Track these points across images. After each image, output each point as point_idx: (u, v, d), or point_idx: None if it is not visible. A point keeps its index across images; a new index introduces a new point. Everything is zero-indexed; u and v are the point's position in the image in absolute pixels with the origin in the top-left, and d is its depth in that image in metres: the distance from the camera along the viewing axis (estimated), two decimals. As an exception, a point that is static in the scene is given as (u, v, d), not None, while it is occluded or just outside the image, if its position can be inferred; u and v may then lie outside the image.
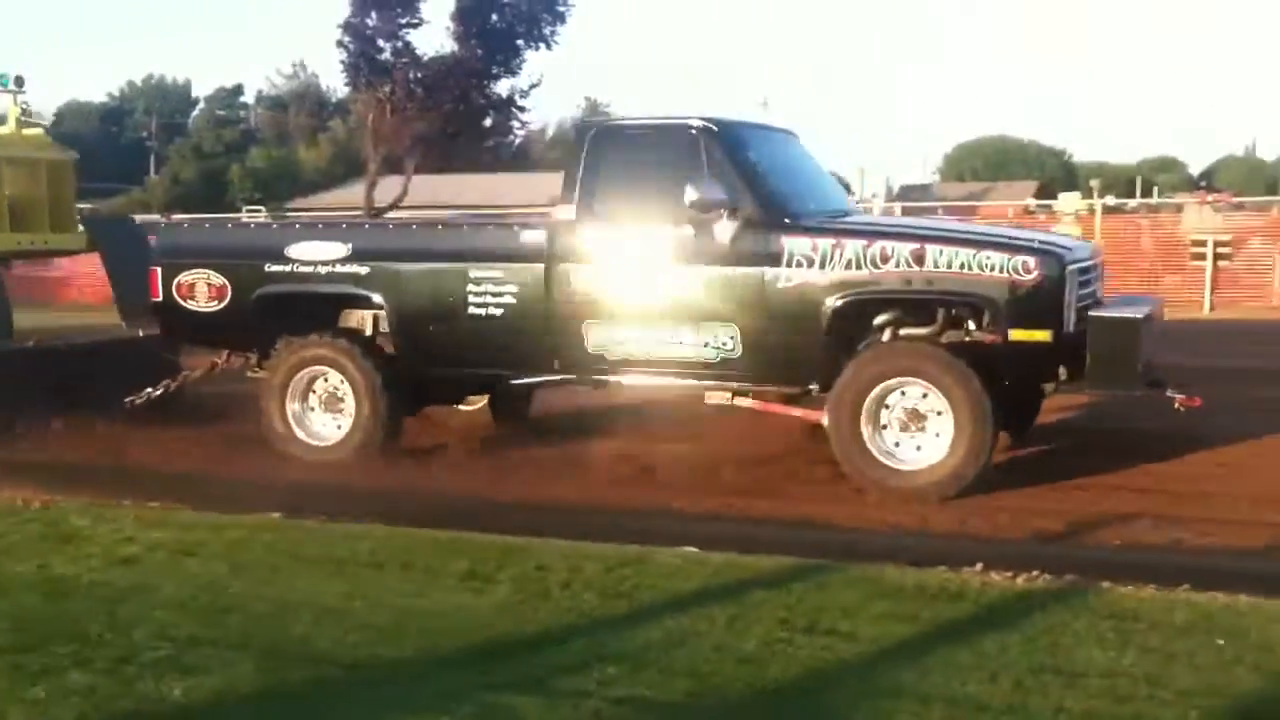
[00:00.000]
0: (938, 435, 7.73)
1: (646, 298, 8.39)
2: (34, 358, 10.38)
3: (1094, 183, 33.52)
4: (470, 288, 8.68)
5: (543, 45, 32.45)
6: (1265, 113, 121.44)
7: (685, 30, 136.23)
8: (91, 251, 12.32)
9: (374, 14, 31.22)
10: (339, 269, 8.98)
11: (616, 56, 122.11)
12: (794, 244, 8.03)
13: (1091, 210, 25.65)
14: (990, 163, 69.85)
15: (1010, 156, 71.77)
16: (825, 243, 8.01)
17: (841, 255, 7.95)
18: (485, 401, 9.99)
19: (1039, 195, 42.76)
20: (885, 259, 7.90)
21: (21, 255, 12.28)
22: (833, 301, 7.94)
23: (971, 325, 7.96)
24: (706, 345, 8.24)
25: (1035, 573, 5.51)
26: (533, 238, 8.61)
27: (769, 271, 8.03)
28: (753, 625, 4.86)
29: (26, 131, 11.66)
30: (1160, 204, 34.39)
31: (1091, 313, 7.83)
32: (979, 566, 5.69)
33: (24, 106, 11.64)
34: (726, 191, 8.07)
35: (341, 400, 8.99)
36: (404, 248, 9.12)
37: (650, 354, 8.40)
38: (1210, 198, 32.10)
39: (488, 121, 34.06)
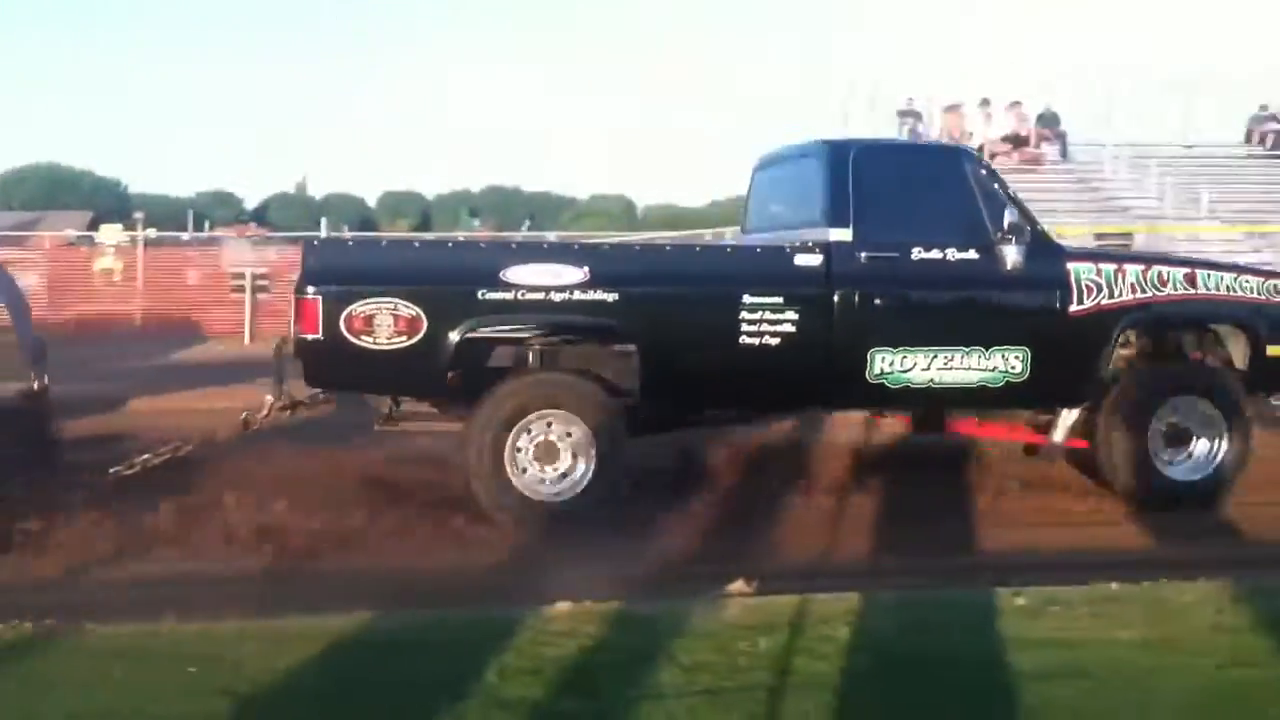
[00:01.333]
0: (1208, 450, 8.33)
1: (935, 323, 8.19)
2: None
3: (138, 215, 31.89)
4: (744, 315, 7.78)
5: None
6: (315, 153, 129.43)
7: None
8: None
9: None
10: (576, 297, 7.63)
11: None
12: (1080, 268, 8.24)
13: (134, 242, 26.04)
14: (41, 191, 66.96)
15: (62, 186, 69.96)
16: (1109, 268, 8.30)
17: (1125, 279, 8.26)
18: None
19: (92, 226, 39.62)
20: (1164, 282, 8.34)
21: None
22: (1126, 322, 8.26)
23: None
24: (995, 370, 8.10)
25: None
26: (809, 261, 7.94)
27: (1060, 294, 8.14)
28: None
29: None
30: (211, 237, 35.49)
31: None
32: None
33: None
34: (1020, 218, 8.13)
35: (568, 450, 7.60)
36: (660, 272, 8.12)
37: (933, 381, 8.06)
38: (248, 232, 35.00)
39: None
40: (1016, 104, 25.57)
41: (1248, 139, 27.64)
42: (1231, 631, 5.07)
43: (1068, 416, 8.46)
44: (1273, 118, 27.44)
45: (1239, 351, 8.55)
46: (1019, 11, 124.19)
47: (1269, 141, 27.22)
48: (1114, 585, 5.80)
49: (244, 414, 8.18)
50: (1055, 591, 5.64)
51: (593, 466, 7.55)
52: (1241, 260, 14.62)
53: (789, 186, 9.13)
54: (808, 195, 8.42)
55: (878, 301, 7.99)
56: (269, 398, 8.17)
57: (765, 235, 8.93)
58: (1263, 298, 8.53)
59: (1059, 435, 8.47)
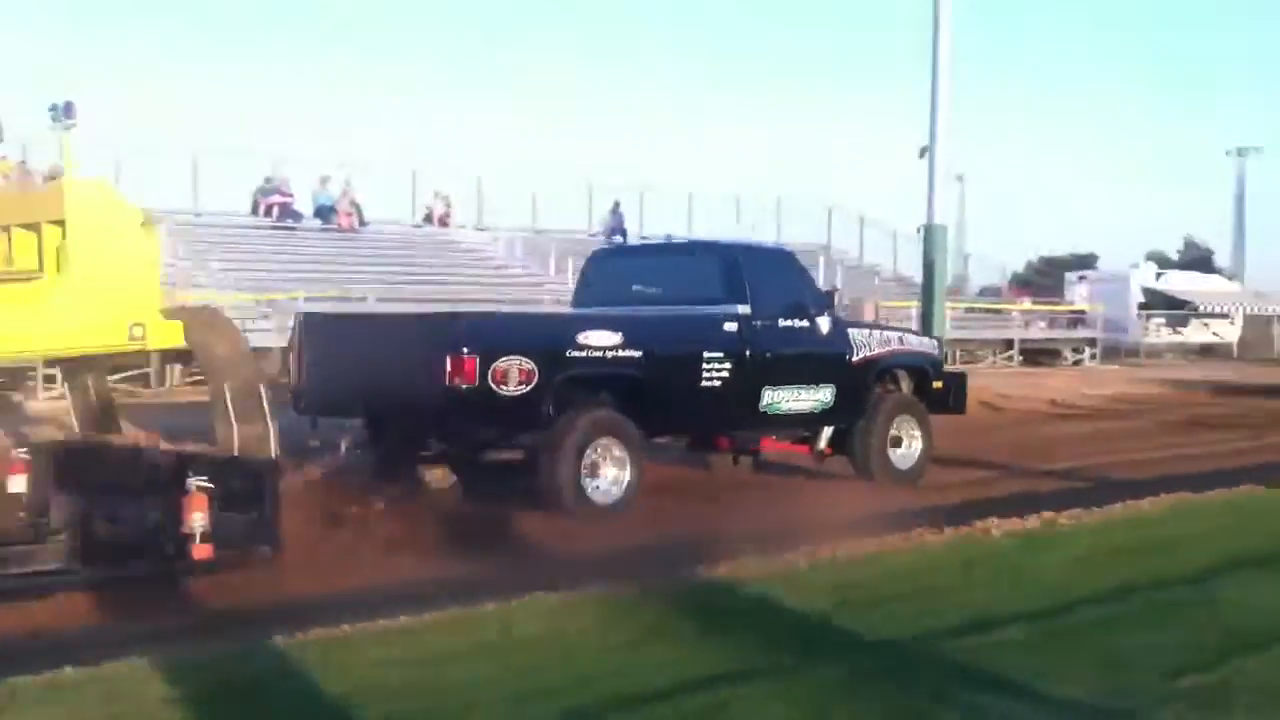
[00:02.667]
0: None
1: (791, 369, 11.65)
2: None
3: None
4: (703, 366, 11.02)
5: None
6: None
7: None
8: None
9: None
10: (617, 354, 10.50)
11: None
12: (853, 332, 12.45)
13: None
14: None
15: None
16: (863, 332, 12.73)
17: (873, 339, 12.60)
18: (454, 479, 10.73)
19: None
20: (887, 343, 12.81)
21: None
22: (876, 369, 12.48)
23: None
24: (818, 400, 11.85)
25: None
26: (731, 326, 11.26)
27: (847, 350, 12.11)
28: None
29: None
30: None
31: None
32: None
33: None
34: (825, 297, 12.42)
35: (614, 465, 10.32)
36: (662, 337, 11.02)
37: (790, 409, 11.67)
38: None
39: None
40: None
41: (254, 209, 28.90)
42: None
43: (828, 431, 12.21)
44: (278, 190, 28.79)
45: (906, 384, 12.92)
46: None
47: (275, 213, 28.61)
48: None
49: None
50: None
51: (629, 478, 10.32)
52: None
53: (673, 274, 12.33)
54: (705, 281, 11.73)
55: (766, 355, 11.39)
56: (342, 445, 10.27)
57: (625, 309, 11.47)
58: (929, 350, 13.65)
59: (823, 444, 12.32)
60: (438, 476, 10.64)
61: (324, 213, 29.72)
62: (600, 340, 10.41)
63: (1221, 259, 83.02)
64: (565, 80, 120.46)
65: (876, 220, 38.72)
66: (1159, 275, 46.54)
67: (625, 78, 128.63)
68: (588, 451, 10.10)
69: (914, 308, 26.36)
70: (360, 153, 58.76)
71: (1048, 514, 9.35)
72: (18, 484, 7.98)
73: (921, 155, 21.41)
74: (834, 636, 6.02)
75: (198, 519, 7.29)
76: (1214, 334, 44.00)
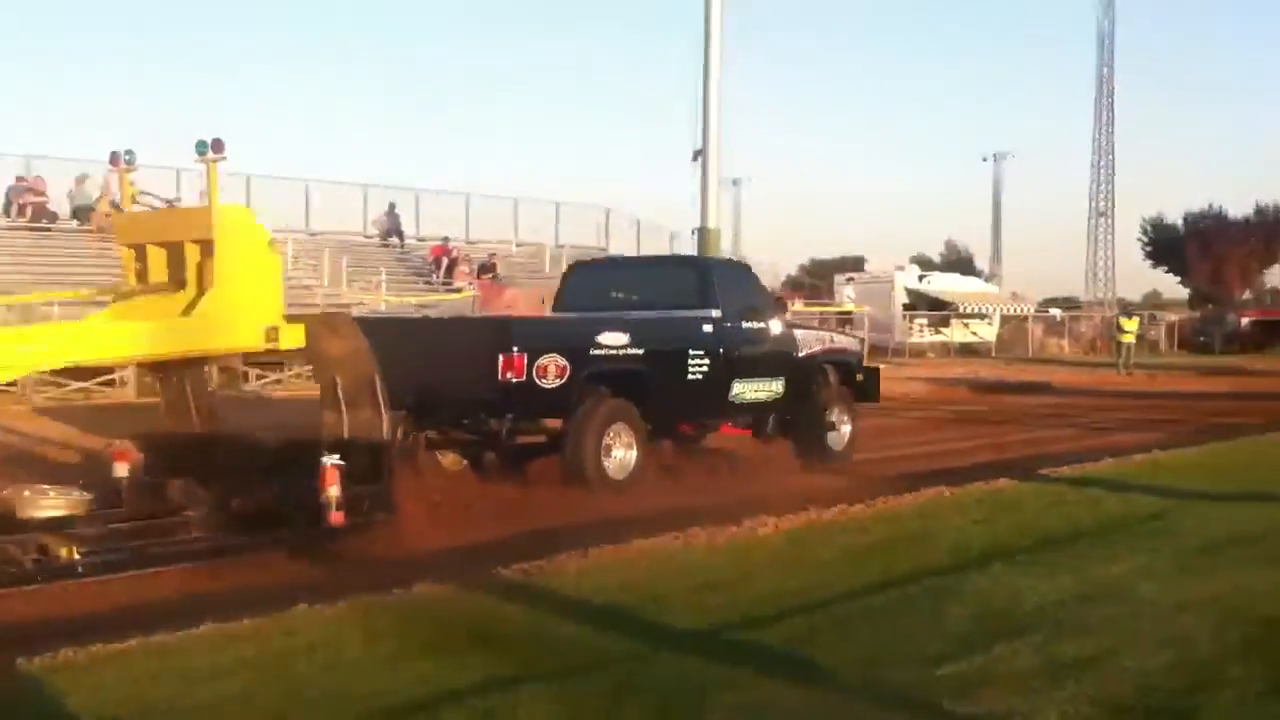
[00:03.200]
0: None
1: (753, 364, 13.54)
2: None
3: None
4: (689, 362, 12.84)
5: None
6: None
7: None
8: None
9: None
10: (626, 351, 12.20)
11: None
12: (798, 333, 14.73)
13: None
14: None
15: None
16: (808, 333, 15.24)
17: (811, 339, 14.92)
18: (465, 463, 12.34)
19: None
20: (824, 341, 15.22)
21: None
22: (817, 363, 14.58)
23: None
24: (773, 390, 13.80)
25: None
26: (708, 328, 13.03)
27: (794, 347, 14.20)
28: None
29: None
30: None
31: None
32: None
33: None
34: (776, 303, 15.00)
35: (625, 448, 11.97)
36: (660, 336, 12.73)
37: (753, 399, 13.64)
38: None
39: None
40: None
41: (7, 210, 28.22)
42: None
43: (773, 418, 14.10)
44: (30, 189, 28.11)
45: (834, 377, 14.83)
46: None
47: (29, 212, 27.99)
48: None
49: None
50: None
51: (638, 458, 12.01)
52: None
53: (650, 283, 14.34)
54: (682, 289, 13.58)
55: (735, 352, 13.24)
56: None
57: (606, 314, 13.18)
58: (853, 348, 16.36)
59: (769, 428, 14.17)
60: (450, 461, 12.29)
61: (81, 213, 28.50)
62: (613, 340, 12.14)
63: (981, 262, 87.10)
64: (341, 80, 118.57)
65: (653, 223, 39.21)
66: (922, 277, 48.35)
67: (403, 80, 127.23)
68: (605, 435, 11.79)
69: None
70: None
71: (815, 510, 9.63)
72: (120, 470, 9.64)
73: (695, 159, 21.71)
74: (605, 638, 6.04)
75: (332, 491, 8.72)
76: (973, 334, 45.98)
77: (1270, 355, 44.25)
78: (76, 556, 7.95)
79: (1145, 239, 67.22)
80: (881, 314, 41.24)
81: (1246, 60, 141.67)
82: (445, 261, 32.77)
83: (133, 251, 9.98)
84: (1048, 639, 5.81)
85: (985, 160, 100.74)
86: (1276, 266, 71.86)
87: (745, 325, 13.49)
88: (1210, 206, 65.78)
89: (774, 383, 13.72)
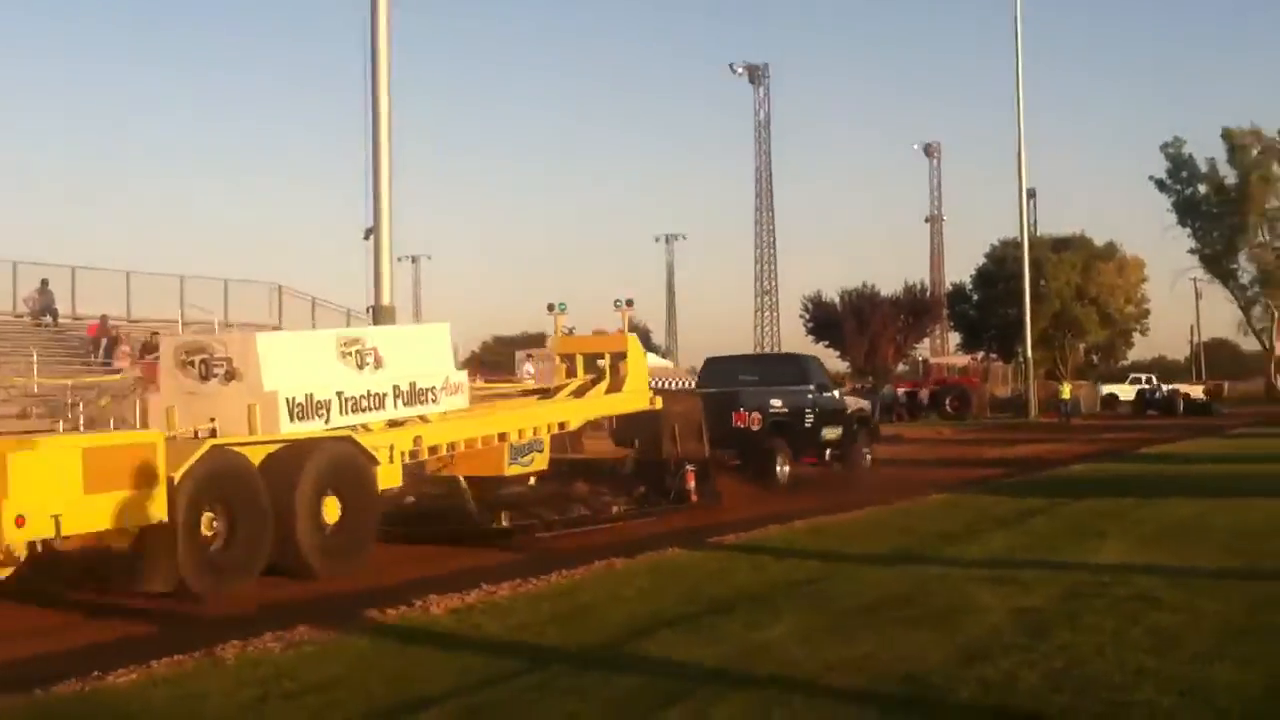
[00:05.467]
0: None
1: (829, 418, 22.07)
2: None
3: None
4: (804, 416, 21.71)
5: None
6: None
7: None
8: None
9: None
10: (778, 406, 20.71)
11: None
12: (845, 397, 25.35)
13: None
14: None
15: None
16: (846, 398, 26.74)
17: (849, 401, 26.68)
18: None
19: None
20: (855, 403, 27.79)
21: None
22: (855, 416, 24.39)
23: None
24: (839, 432, 22.41)
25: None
26: (810, 395, 21.75)
27: (843, 406, 23.82)
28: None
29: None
30: None
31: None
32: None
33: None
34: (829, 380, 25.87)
35: (785, 463, 20.38)
36: (793, 402, 21.26)
37: (827, 438, 22.06)
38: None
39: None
40: None
41: None
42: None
43: (829, 451, 22.01)
44: None
45: (857, 424, 23.77)
46: None
47: None
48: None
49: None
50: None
51: (789, 472, 20.29)
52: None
53: (768, 369, 24.27)
54: (788, 372, 22.64)
55: (820, 410, 21.82)
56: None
57: (752, 389, 21.18)
58: (868, 406, 30.13)
59: (827, 457, 22.10)
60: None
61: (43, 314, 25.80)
62: (776, 403, 20.72)
63: (659, 337, 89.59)
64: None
65: (329, 301, 38.51)
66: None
67: (61, 154, 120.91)
68: (777, 457, 20.21)
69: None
70: None
71: (488, 587, 9.57)
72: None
73: (366, 237, 21.46)
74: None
75: (691, 484, 16.79)
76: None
77: (922, 424, 47.21)
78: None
79: (806, 315, 70.67)
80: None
81: (889, 154, 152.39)
82: (104, 341, 31.15)
83: (565, 364, 17.76)
84: (708, 703, 5.95)
85: (657, 241, 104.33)
86: (926, 340, 77.13)
87: (824, 394, 22.48)
88: (865, 285, 69.79)
89: (837, 429, 22.27)
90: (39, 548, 9.42)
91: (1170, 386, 65.43)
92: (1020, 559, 10.72)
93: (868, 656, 6.95)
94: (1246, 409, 62.08)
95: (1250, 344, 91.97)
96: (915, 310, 70.00)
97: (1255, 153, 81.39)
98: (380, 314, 21.97)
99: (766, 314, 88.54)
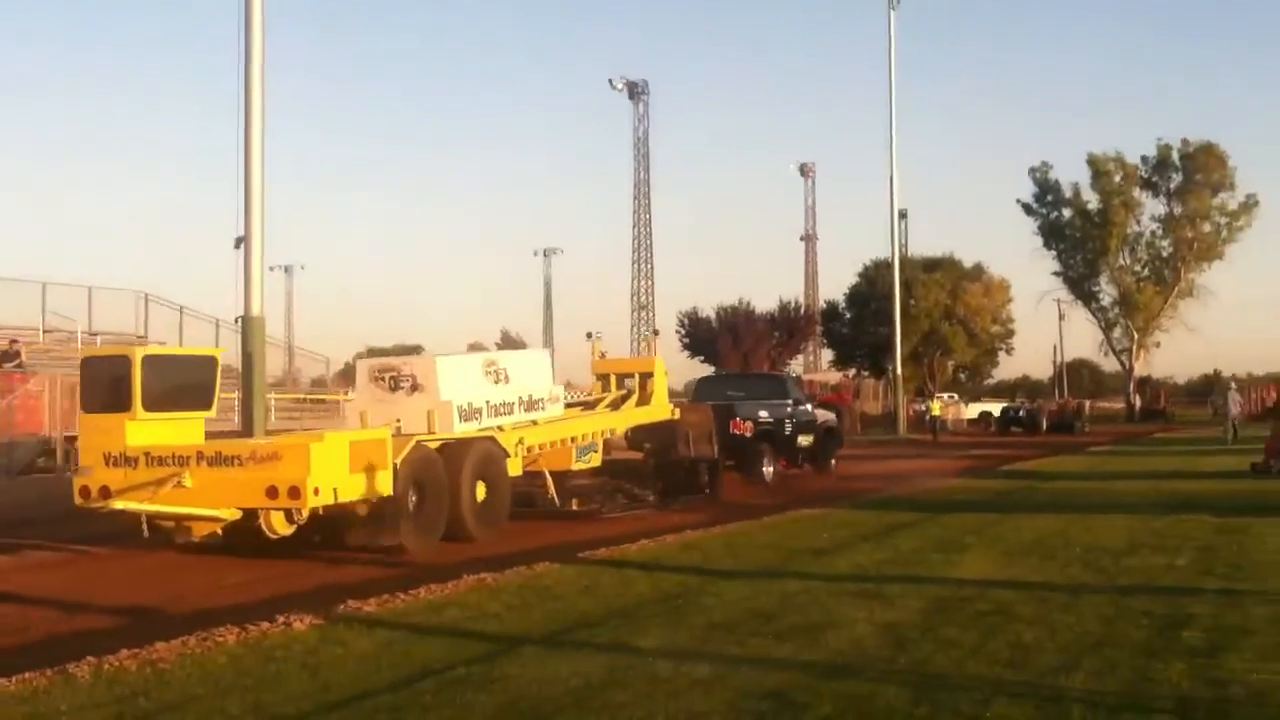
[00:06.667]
0: None
1: (803, 427, 26.38)
2: None
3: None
4: (785, 427, 25.83)
5: None
6: None
7: None
8: None
9: None
10: (765, 417, 24.89)
11: None
12: (815, 410, 28.18)
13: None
14: None
15: None
16: (818, 410, 28.68)
17: (819, 413, 28.34)
18: None
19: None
20: (824, 414, 29.09)
21: None
22: (825, 425, 28.12)
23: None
24: (813, 437, 26.97)
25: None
26: (791, 408, 26.22)
27: (811, 413, 27.57)
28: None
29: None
30: None
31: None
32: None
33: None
34: (805, 395, 30.48)
35: (770, 464, 24.63)
36: (776, 414, 25.48)
37: (803, 445, 26.52)
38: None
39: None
40: None
41: None
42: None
43: (801, 455, 26.41)
44: None
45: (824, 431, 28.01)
46: None
47: None
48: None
49: None
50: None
51: (774, 473, 24.66)
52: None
53: (753, 386, 28.26)
54: (771, 389, 27.47)
55: (798, 421, 26.06)
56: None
57: (746, 402, 25.05)
58: (834, 417, 29.46)
59: (800, 460, 26.45)
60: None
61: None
62: (764, 415, 24.67)
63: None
64: None
65: (197, 311, 37.66)
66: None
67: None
68: (764, 460, 24.12)
69: (235, 399, 25.68)
70: None
71: (354, 603, 9.43)
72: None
73: (237, 246, 21.03)
74: None
75: (705, 478, 20.52)
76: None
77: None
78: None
79: (682, 331, 71.02)
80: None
81: (767, 173, 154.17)
82: (-39, 349, 30.02)
83: (600, 381, 21.19)
84: (572, 722, 5.92)
85: (536, 254, 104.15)
86: (799, 357, 78.07)
87: (800, 408, 26.38)
88: (740, 301, 70.40)
89: (810, 437, 26.27)
90: (320, 511, 12.93)
91: (1034, 404, 67.18)
92: (885, 574, 10.87)
93: (733, 671, 6.98)
94: (1106, 427, 63.98)
95: (1110, 364, 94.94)
96: (789, 327, 70.80)
97: (1118, 179, 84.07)
98: (250, 324, 21.54)
99: (643, 329, 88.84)
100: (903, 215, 75.53)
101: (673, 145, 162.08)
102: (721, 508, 18.49)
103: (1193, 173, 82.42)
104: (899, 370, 60.57)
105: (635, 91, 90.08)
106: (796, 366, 75.79)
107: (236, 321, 23.36)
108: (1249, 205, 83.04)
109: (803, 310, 76.16)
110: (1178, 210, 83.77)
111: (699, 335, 69.80)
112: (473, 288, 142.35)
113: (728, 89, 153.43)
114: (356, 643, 8.07)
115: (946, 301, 77.62)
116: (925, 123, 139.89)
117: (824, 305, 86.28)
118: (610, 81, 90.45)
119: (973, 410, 69.65)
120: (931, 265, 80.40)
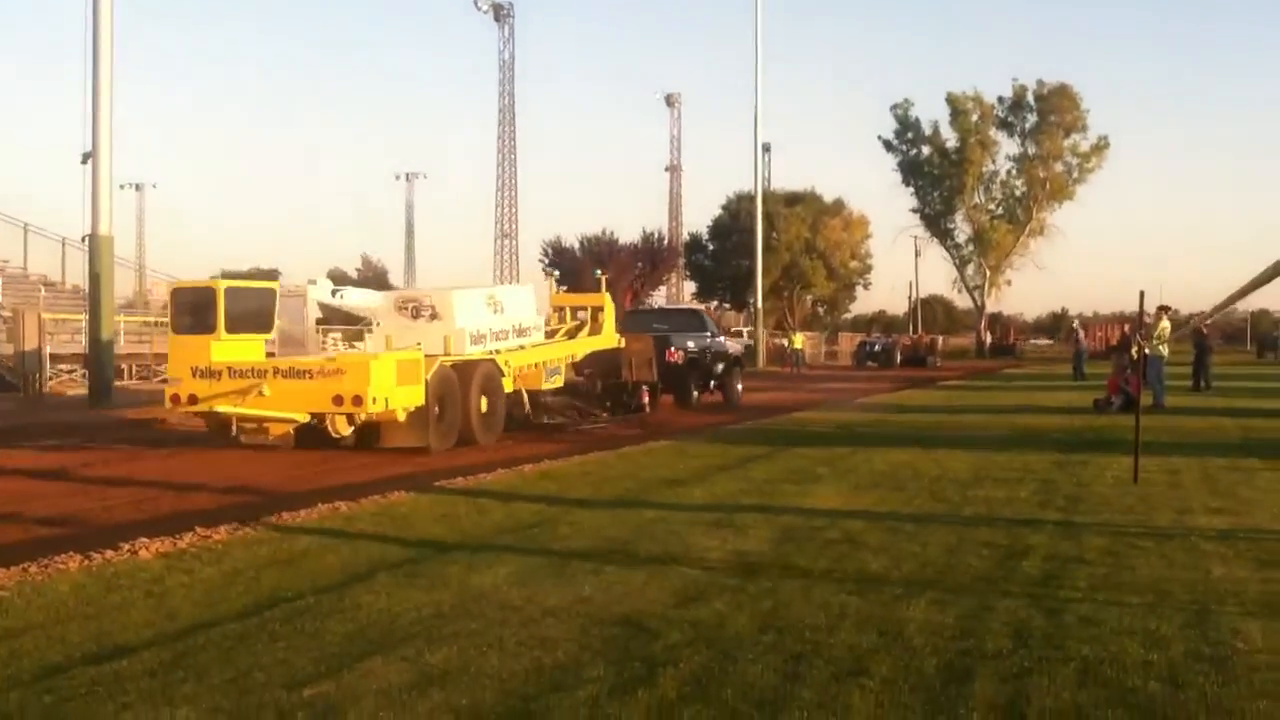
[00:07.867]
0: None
1: (719, 360, 29.37)
2: None
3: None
4: (707, 356, 28.91)
5: None
6: None
7: None
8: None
9: None
10: (692, 347, 27.96)
11: None
12: (727, 342, 32.23)
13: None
14: None
15: None
16: (729, 341, 32.75)
17: (730, 344, 32.33)
18: None
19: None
20: (734, 345, 33.41)
21: None
22: (734, 355, 31.49)
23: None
24: (721, 367, 29.53)
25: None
26: (709, 339, 29.42)
27: (728, 349, 30.86)
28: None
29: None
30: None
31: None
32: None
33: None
34: (719, 328, 35.41)
35: (698, 389, 28.14)
36: (700, 345, 28.60)
37: (718, 373, 29.29)
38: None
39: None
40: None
41: None
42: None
43: (714, 383, 28.91)
44: None
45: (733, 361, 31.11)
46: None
47: None
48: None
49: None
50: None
51: (699, 397, 28.14)
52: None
53: (675, 320, 31.00)
54: (694, 323, 30.45)
55: (716, 351, 29.25)
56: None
57: (676, 333, 28.10)
58: (741, 348, 35.10)
59: (712, 388, 28.81)
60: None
61: None
62: (692, 345, 27.64)
63: (396, 278, 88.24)
64: None
65: (42, 229, 36.36)
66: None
67: None
68: (691, 385, 27.23)
69: (84, 320, 24.88)
70: None
71: (203, 530, 9.27)
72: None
73: (84, 162, 20.31)
74: None
75: (646, 399, 23.26)
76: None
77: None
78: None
79: (546, 260, 70.78)
80: (294, 328, 40.52)
81: (633, 103, 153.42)
82: None
83: (557, 313, 23.66)
84: (420, 650, 5.90)
85: (398, 179, 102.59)
86: (662, 288, 78.40)
87: (716, 339, 29.47)
88: (604, 232, 70.34)
89: (723, 365, 28.77)
90: (373, 417, 16.28)
91: (889, 339, 68.60)
92: (740, 504, 11.03)
93: (585, 599, 7.03)
94: (958, 363, 65.67)
95: (964, 300, 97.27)
96: (653, 259, 71.05)
97: (975, 118, 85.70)
98: (97, 243, 20.88)
99: (506, 257, 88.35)
100: (766, 149, 76.18)
101: (539, 72, 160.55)
102: (600, 437, 19.58)
103: (1047, 114, 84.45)
104: (760, 304, 61.24)
105: (501, 14, 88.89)
106: (659, 298, 76.18)
107: (83, 240, 22.65)
108: (1100, 147, 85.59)
109: (666, 242, 76.46)
110: (1031, 150, 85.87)
111: (563, 265, 69.63)
112: (333, 212, 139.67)
113: (596, 18, 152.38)
114: (203, 571, 7.94)
115: (807, 235, 78.64)
116: (792, 58, 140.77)
117: (687, 237, 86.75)
118: (475, 3, 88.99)
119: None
120: (793, 199, 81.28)
